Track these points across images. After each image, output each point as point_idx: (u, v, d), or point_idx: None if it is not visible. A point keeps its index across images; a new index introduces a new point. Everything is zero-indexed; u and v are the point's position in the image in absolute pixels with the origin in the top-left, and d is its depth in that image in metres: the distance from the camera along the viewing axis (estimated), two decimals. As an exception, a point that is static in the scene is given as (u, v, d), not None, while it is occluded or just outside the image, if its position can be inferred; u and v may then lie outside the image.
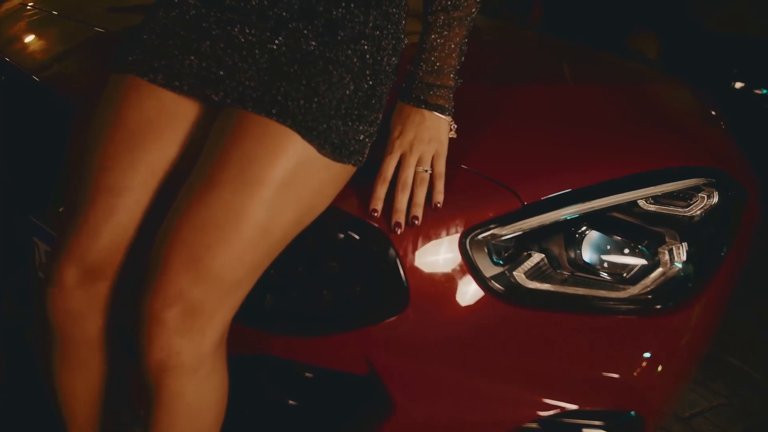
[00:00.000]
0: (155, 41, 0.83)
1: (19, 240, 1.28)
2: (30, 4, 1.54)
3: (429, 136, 0.87)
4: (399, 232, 0.84)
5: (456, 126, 0.91)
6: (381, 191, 0.85)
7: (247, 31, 0.80)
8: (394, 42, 0.86)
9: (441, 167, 0.88)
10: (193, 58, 0.81)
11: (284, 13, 0.79)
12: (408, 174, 0.85)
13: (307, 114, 0.76)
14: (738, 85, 2.30)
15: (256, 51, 0.79)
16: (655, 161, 1.05)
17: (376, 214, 0.84)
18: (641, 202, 1.01)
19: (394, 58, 0.86)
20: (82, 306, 0.83)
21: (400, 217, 0.84)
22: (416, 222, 0.85)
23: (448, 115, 0.89)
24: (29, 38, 1.42)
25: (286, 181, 0.76)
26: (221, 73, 0.80)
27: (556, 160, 0.98)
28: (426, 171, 0.86)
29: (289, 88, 0.77)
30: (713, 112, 1.44)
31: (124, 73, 0.84)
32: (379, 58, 0.83)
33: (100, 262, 0.82)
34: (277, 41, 0.79)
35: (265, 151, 0.75)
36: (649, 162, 1.04)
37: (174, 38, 0.82)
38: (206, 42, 0.81)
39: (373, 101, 0.83)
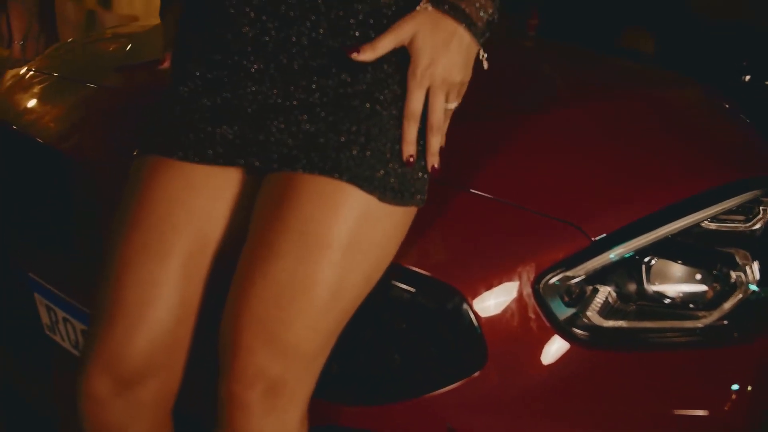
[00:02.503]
0: (180, 116, 0.77)
1: (20, 297, 1.24)
2: (33, 69, 1.49)
3: (460, 66, 0.73)
4: (438, 172, 0.76)
5: (486, 55, 0.77)
6: (413, 133, 0.74)
7: (282, 89, 0.74)
8: None
9: (461, 97, 0.78)
10: (225, 127, 0.75)
11: (324, 70, 0.73)
12: (439, 116, 0.75)
13: (362, 163, 0.71)
14: (747, 78, 2.27)
15: (295, 108, 0.73)
16: (710, 178, 1.01)
17: (411, 159, 0.74)
18: (702, 222, 0.97)
19: None
20: (121, 417, 0.75)
21: (436, 160, 0.76)
22: (441, 151, 0.78)
23: (481, 43, 0.75)
24: (37, 104, 1.37)
25: (351, 239, 0.71)
26: (261, 137, 0.74)
27: (615, 190, 0.95)
28: (455, 107, 0.76)
29: (338, 140, 0.72)
30: (739, 114, 1.42)
31: (150, 153, 0.78)
32: None
33: (137, 368, 0.74)
34: (316, 93, 0.73)
35: (324, 212, 0.70)
36: (704, 180, 1.01)
37: (200, 110, 0.76)
38: (236, 107, 0.75)
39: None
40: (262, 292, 0.70)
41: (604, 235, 0.88)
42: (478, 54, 0.76)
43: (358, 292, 0.74)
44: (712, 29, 2.46)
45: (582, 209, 0.90)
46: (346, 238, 0.70)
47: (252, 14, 0.73)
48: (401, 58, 0.73)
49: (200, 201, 0.77)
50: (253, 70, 0.74)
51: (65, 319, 1.16)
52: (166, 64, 0.87)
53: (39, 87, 1.42)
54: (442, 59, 0.72)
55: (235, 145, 0.75)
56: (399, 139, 0.74)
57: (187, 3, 0.81)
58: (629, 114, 1.16)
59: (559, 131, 1.05)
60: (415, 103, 0.73)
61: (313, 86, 0.73)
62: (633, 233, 0.90)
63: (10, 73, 1.58)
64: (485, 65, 0.77)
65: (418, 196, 0.77)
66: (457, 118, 0.81)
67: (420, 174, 0.76)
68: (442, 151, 0.77)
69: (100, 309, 0.76)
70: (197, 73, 0.77)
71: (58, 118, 1.29)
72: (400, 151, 0.74)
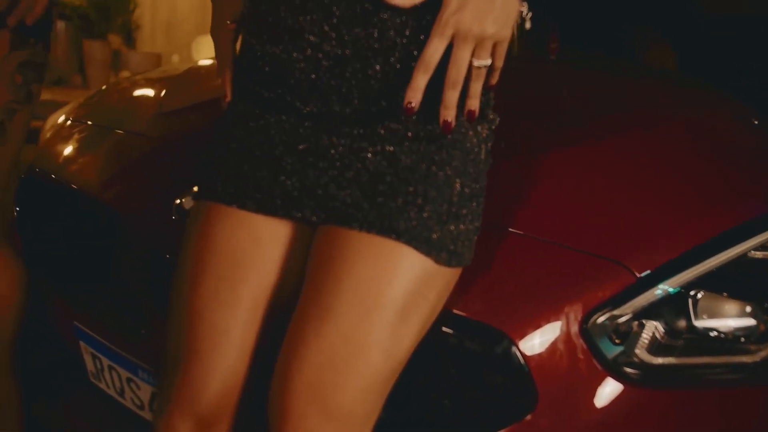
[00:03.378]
0: (239, 163, 0.78)
1: (65, 345, 1.27)
2: (71, 118, 1.53)
3: (494, 17, 0.66)
4: (450, 127, 0.69)
5: (531, 14, 0.71)
6: (422, 81, 0.67)
7: (337, 141, 0.74)
8: (487, 126, 0.79)
9: (501, 60, 0.70)
10: (283, 178, 0.76)
11: (376, 117, 0.73)
12: (461, 71, 0.67)
13: (419, 225, 0.72)
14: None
15: (352, 163, 0.74)
16: (754, 205, 1.00)
17: (411, 105, 0.67)
18: (749, 252, 0.96)
19: (490, 144, 0.80)
20: None
21: (450, 114, 0.68)
22: (473, 116, 0.71)
23: None
24: (77, 154, 1.41)
25: (406, 301, 0.71)
26: (319, 191, 0.75)
27: (658, 223, 0.94)
28: (484, 66, 0.68)
29: (396, 200, 0.72)
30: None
31: (212, 201, 0.80)
32: (476, 141, 0.77)
33: (214, 409, 0.77)
34: (372, 149, 0.73)
35: (382, 273, 0.70)
36: (748, 207, 0.99)
37: (258, 158, 0.77)
38: (294, 158, 0.75)
39: (478, 191, 0.78)
40: (315, 354, 0.70)
41: (650, 271, 0.87)
42: (521, 15, 0.69)
43: (409, 349, 0.74)
44: (716, 25, 2.39)
45: (626, 245, 0.89)
46: (402, 300, 0.71)
47: (308, 51, 0.72)
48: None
49: (262, 250, 0.78)
50: (305, 111, 0.74)
51: (110, 367, 1.17)
52: (229, 98, 0.83)
53: (77, 137, 1.45)
54: (472, 5, 0.65)
55: (293, 197, 0.76)
56: (454, 201, 0.73)
57: (244, 41, 0.81)
58: (667, 141, 1.14)
59: (598, 164, 1.04)
60: (429, 51, 0.66)
61: (373, 140, 0.73)
62: (678, 267, 0.89)
63: (50, 122, 1.62)
64: (527, 24, 0.71)
65: (468, 257, 0.77)
66: (494, 154, 0.81)
67: (473, 236, 0.77)
68: (473, 115, 0.70)
69: (176, 355, 0.79)
70: (257, 112, 0.77)
71: (98, 168, 1.32)
72: (455, 212, 0.74)
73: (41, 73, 1.18)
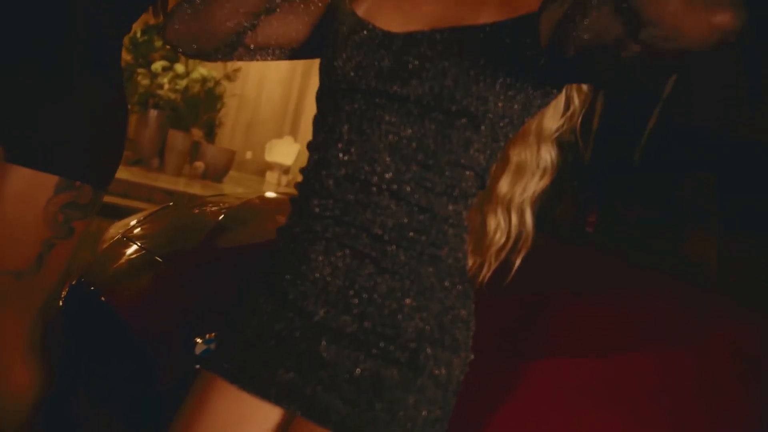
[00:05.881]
0: (246, 349, 0.90)
1: None
2: (126, 236, 1.69)
3: None
4: None
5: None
6: None
7: (334, 349, 0.85)
8: (464, 354, 0.88)
9: None
10: (281, 371, 0.86)
11: (373, 333, 0.84)
12: None
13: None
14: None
15: (341, 373, 0.84)
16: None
17: None
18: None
19: (462, 377, 0.89)
20: None
21: None
22: None
23: None
24: (122, 275, 1.55)
25: None
26: (307, 391, 0.85)
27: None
28: None
29: (368, 413, 0.82)
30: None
31: (215, 374, 0.91)
32: (451, 376, 0.86)
33: None
34: (362, 365, 0.84)
35: None
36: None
37: (264, 349, 0.88)
38: (294, 357, 0.86)
39: (442, 415, 0.86)
40: None
41: None
42: None
43: None
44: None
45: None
46: None
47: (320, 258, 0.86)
48: (431, 344, 0.84)
49: (249, 427, 0.89)
50: (315, 318, 0.86)
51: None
52: None
53: (125, 257, 1.60)
54: None
55: (286, 391, 0.86)
56: (418, 424, 0.83)
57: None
58: (675, 366, 1.12)
59: (595, 387, 1.06)
60: None
61: (363, 355, 0.84)
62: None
63: (110, 232, 1.79)
64: None
65: None
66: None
67: None
68: None
69: None
70: (272, 307, 0.89)
71: (134, 291, 1.46)
72: (424, 421, 0.83)
73: (87, 211, 1.28)
